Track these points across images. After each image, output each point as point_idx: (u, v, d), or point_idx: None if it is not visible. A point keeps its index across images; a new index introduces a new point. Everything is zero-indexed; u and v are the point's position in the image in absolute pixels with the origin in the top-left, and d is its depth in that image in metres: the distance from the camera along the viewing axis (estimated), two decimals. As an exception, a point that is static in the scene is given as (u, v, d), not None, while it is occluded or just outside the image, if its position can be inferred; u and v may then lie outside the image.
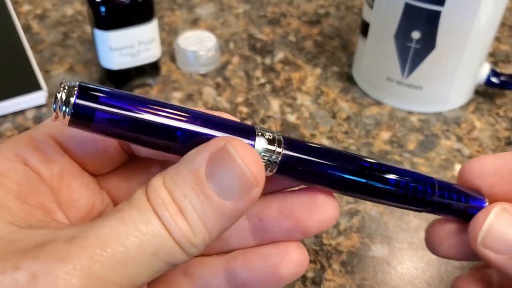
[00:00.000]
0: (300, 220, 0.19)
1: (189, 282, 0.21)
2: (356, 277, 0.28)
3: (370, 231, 0.31)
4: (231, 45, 0.47)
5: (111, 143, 0.20)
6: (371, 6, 0.39)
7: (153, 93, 0.41)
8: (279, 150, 0.18)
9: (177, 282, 0.21)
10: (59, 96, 0.15)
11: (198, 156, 0.16)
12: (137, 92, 0.41)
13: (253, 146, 0.17)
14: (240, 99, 0.41)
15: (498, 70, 0.41)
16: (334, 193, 0.20)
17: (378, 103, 0.41)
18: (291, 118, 0.39)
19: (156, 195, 0.16)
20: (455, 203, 0.20)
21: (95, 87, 0.16)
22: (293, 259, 0.19)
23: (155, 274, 0.16)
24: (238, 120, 0.19)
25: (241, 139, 0.17)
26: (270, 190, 0.20)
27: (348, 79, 0.43)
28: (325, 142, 0.37)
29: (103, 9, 0.36)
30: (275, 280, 0.19)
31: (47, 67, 0.44)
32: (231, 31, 0.50)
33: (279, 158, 0.18)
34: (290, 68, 0.45)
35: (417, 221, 0.31)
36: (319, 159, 0.18)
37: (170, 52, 0.46)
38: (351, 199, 0.32)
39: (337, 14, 0.53)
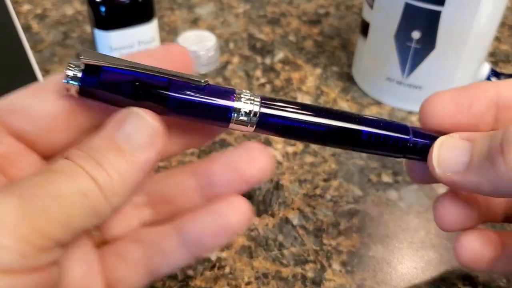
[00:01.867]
0: (244, 171, 0.22)
1: (141, 249, 0.22)
2: (356, 277, 0.28)
3: (370, 231, 0.31)
4: (231, 45, 0.47)
5: (58, 119, 0.20)
6: (371, 6, 0.39)
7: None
8: (256, 108, 0.20)
9: (129, 251, 0.22)
10: (69, 73, 0.19)
11: (107, 125, 0.19)
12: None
13: (233, 106, 0.20)
14: (240, 99, 0.41)
15: (498, 70, 0.41)
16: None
17: (378, 103, 0.41)
18: (291, 118, 0.39)
19: (77, 155, 0.18)
20: (428, 147, 0.21)
21: (96, 64, 0.19)
22: (240, 208, 0.21)
23: (86, 221, 0.18)
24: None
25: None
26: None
27: (348, 79, 0.43)
28: (325, 142, 0.37)
29: (103, 9, 0.36)
30: (226, 230, 0.21)
31: (47, 67, 0.44)
32: (231, 31, 0.50)
33: (257, 115, 0.20)
34: (290, 68, 0.45)
35: (417, 221, 0.31)
36: (294, 115, 0.21)
37: (170, 52, 0.46)
38: (351, 199, 0.32)
39: (337, 14, 0.53)
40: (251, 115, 0.20)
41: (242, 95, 0.20)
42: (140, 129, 0.19)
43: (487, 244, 0.23)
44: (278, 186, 0.33)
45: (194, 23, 0.51)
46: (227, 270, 0.28)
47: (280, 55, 0.46)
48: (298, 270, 0.28)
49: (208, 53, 0.43)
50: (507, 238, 0.24)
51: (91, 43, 0.46)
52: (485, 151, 0.19)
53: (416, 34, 0.36)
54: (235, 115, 0.20)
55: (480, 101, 0.22)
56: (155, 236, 0.22)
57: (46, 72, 0.43)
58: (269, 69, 0.44)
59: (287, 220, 0.31)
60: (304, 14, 0.53)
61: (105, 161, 0.18)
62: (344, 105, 0.40)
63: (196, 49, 0.43)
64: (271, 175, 0.34)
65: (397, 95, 0.40)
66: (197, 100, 0.20)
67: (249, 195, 0.32)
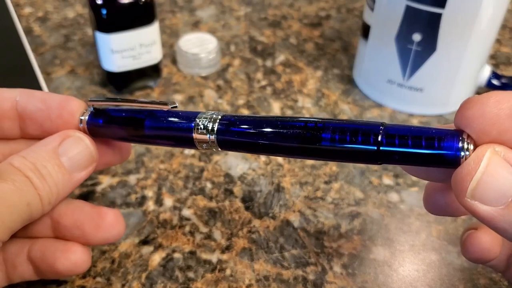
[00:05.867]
0: (86, 234, 0.23)
1: (0, 254, 0.24)
2: (357, 280, 0.28)
3: (371, 234, 0.31)
4: (232, 48, 0.47)
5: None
6: (372, 9, 0.39)
7: (154, 95, 0.41)
8: (215, 128, 0.21)
9: None
10: (82, 118, 0.24)
11: (52, 140, 0.22)
12: (138, 94, 0.41)
13: (193, 126, 0.22)
14: (241, 101, 0.41)
15: (499, 72, 0.41)
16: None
17: (379, 105, 0.41)
18: (292, 120, 0.39)
19: (21, 163, 0.21)
20: (412, 150, 0.17)
21: (102, 108, 0.24)
22: (70, 259, 0.23)
23: (21, 224, 0.20)
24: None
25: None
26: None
27: (349, 82, 0.43)
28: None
29: (104, 11, 0.36)
30: (53, 272, 0.23)
31: (49, 69, 0.44)
32: (232, 33, 0.50)
33: (215, 137, 0.21)
34: (291, 71, 0.45)
35: (418, 223, 0.31)
36: (258, 132, 0.21)
37: (171, 54, 0.46)
38: (352, 201, 0.32)
39: (338, 17, 0.53)
40: (210, 137, 0.22)
41: (201, 119, 0.22)
42: (82, 153, 0.23)
43: (495, 241, 0.23)
44: (279, 189, 0.33)
45: (195, 25, 0.51)
46: (228, 272, 0.28)
47: (281, 57, 0.46)
48: (299, 272, 0.28)
49: (209, 55, 0.43)
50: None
51: (93, 46, 0.46)
52: None
53: (417, 37, 0.36)
54: (197, 140, 0.22)
55: None
56: (12, 248, 0.24)
57: (47, 74, 0.43)
58: (270, 72, 0.44)
59: (288, 223, 0.31)
60: (305, 17, 0.53)
61: (47, 173, 0.21)
62: (345, 108, 0.40)
63: (197, 51, 0.43)
64: (272, 177, 0.34)
65: (398, 97, 0.40)
66: (164, 132, 0.23)
67: (250, 197, 0.32)
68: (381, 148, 0.18)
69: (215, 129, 0.21)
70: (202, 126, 0.22)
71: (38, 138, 0.23)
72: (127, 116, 0.23)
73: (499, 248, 0.23)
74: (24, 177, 0.20)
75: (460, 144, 0.17)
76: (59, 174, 0.21)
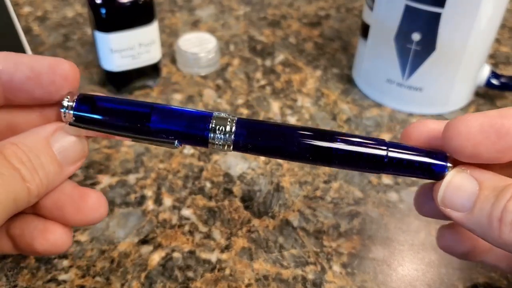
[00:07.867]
0: (66, 216, 0.22)
1: None
2: (357, 279, 0.28)
3: (371, 233, 0.31)
4: (232, 47, 0.47)
5: None
6: (371, 8, 0.39)
7: (154, 95, 0.41)
8: (233, 129, 0.21)
9: None
10: (65, 103, 0.22)
11: (45, 130, 0.21)
12: (138, 94, 0.41)
13: (209, 127, 0.21)
14: (240, 101, 0.41)
15: (498, 71, 0.41)
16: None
17: (378, 105, 0.41)
18: (292, 120, 0.39)
19: (13, 152, 0.19)
20: (408, 164, 0.22)
21: (90, 96, 0.22)
22: (49, 239, 0.22)
23: (5, 219, 0.19)
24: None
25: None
26: None
27: (349, 81, 0.43)
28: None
29: (103, 11, 0.36)
30: (31, 251, 0.22)
31: (48, 69, 0.44)
32: (231, 33, 0.50)
33: (232, 137, 0.21)
34: (290, 70, 0.45)
35: (417, 223, 0.31)
36: (270, 137, 0.22)
37: (170, 54, 0.46)
38: (351, 201, 0.32)
39: (338, 16, 0.53)
40: (226, 137, 0.22)
41: (217, 119, 0.22)
42: (74, 146, 0.22)
43: (462, 239, 0.25)
44: (278, 188, 0.33)
45: (195, 25, 0.51)
46: (227, 272, 0.28)
47: (280, 57, 0.46)
48: (299, 272, 0.28)
49: (208, 55, 0.43)
50: None
51: (92, 45, 0.46)
52: (487, 208, 0.19)
53: (416, 36, 0.36)
54: (211, 138, 0.22)
55: (509, 135, 0.20)
56: None
57: (46, 74, 0.43)
58: (269, 71, 0.44)
59: (287, 222, 0.31)
60: (304, 17, 0.53)
61: (39, 165, 0.20)
62: (345, 107, 0.40)
63: (197, 51, 0.43)
64: (272, 177, 0.34)
65: (397, 97, 0.40)
66: (175, 128, 0.22)
67: (249, 197, 0.32)
68: (385, 160, 0.22)
69: (233, 131, 0.21)
70: (219, 128, 0.21)
71: (26, 105, 0.22)
72: (125, 110, 0.22)
73: (470, 241, 0.25)
74: (13, 170, 0.19)
75: (445, 163, 0.21)
76: (51, 166, 0.20)
